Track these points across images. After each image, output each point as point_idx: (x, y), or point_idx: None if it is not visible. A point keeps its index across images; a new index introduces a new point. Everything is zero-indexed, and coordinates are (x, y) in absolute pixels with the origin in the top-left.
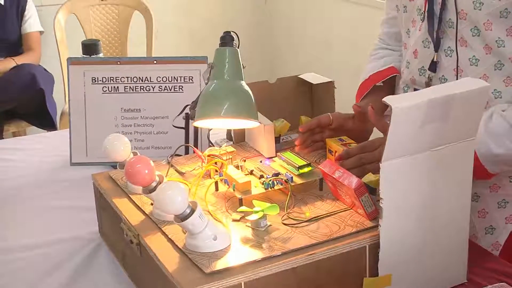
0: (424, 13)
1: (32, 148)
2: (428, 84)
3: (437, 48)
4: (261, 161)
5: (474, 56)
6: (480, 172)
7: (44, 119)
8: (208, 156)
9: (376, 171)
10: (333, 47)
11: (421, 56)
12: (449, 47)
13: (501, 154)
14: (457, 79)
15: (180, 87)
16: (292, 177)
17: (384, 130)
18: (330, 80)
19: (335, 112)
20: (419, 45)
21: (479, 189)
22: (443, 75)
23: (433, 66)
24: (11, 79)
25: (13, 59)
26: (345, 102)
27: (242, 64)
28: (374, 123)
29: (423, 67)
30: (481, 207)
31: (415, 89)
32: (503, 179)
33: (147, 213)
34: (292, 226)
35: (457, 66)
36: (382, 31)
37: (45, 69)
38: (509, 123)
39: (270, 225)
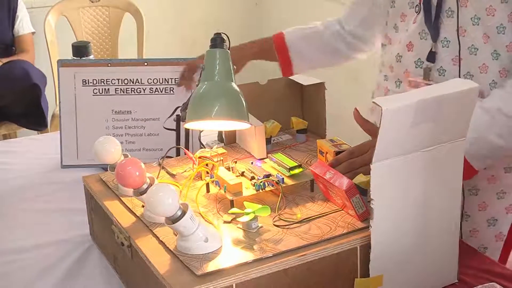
0: (420, 4)
1: (23, 150)
2: (427, 74)
3: (435, 38)
4: (252, 163)
5: (473, 45)
6: (465, 169)
7: (36, 118)
8: (199, 157)
9: (367, 174)
10: None
11: (418, 48)
12: (445, 37)
13: (482, 148)
14: (459, 69)
15: (171, 89)
16: (283, 179)
17: (371, 132)
18: (320, 81)
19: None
20: (414, 37)
21: (478, 182)
22: (441, 66)
23: (432, 57)
24: (3, 75)
25: (1, 60)
26: (336, 104)
27: (233, 66)
28: (360, 125)
29: (419, 59)
30: (481, 200)
31: (409, 82)
32: (499, 170)
33: (138, 215)
34: (283, 228)
35: (459, 55)
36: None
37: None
38: (490, 115)
39: (261, 227)
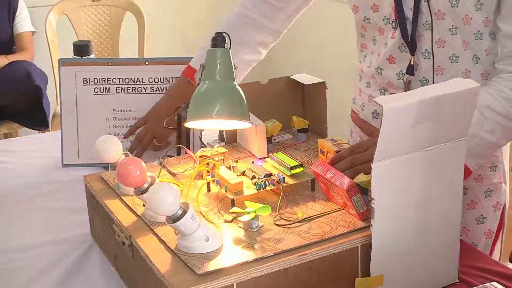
0: (396, 20)
1: (24, 149)
2: (407, 86)
3: (413, 51)
4: (253, 162)
5: (454, 54)
6: None
7: (37, 118)
8: (200, 157)
9: (368, 171)
10: (325, 47)
11: (399, 61)
12: (426, 49)
13: (475, 145)
14: (433, 79)
15: None
16: (284, 178)
17: (370, 133)
18: (321, 80)
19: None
20: (395, 51)
21: (466, 182)
22: (423, 77)
23: (411, 70)
24: (5, 76)
25: (6, 57)
26: (337, 103)
27: (234, 65)
28: (359, 127)
29: (401, 71)
30: (470, 199)
31: (392, 93)
32: (485, 169)
33: (139, 214)
34: (284, 227)
35: (434, 67)
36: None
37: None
38: (480, 112)
39: (262, 226)
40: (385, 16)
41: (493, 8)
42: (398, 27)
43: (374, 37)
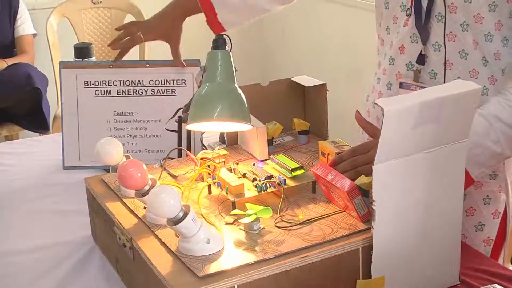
0: (411, 8)
1: (25, 152)
2: (416, 76)
3: (424, 41)
4: (254, 164)
5: (463, 50)
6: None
7: (37, 120)
8: (201, 159)
9: (369, 173)
10: (326, 49)
11: (409, 51)
12: (436, 41)
13: (480, 154)
14: (444, 72)
15: (173, 90)
16: (285, 180)
17: (373, 134)
18: (322, 82)
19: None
20: (406, 40)
21: None
22: (432, 70)
23: (421, 59)
24: (5, 78)
25: (5, 61)
26: (338, 105)
27: (235, 67)
28: (362, 127)
29: (410, 62)
30: (469, 205)
31: (400, 83)
32: (484, 176)
33: (140, 216)
34: (285, 229)
35: (445, 60)
36: None
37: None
38: (488, 121)
39: (263, 228)
40: (402, 3)
41: (507, 11)
42: (413, 14)
43: (388, 26)
